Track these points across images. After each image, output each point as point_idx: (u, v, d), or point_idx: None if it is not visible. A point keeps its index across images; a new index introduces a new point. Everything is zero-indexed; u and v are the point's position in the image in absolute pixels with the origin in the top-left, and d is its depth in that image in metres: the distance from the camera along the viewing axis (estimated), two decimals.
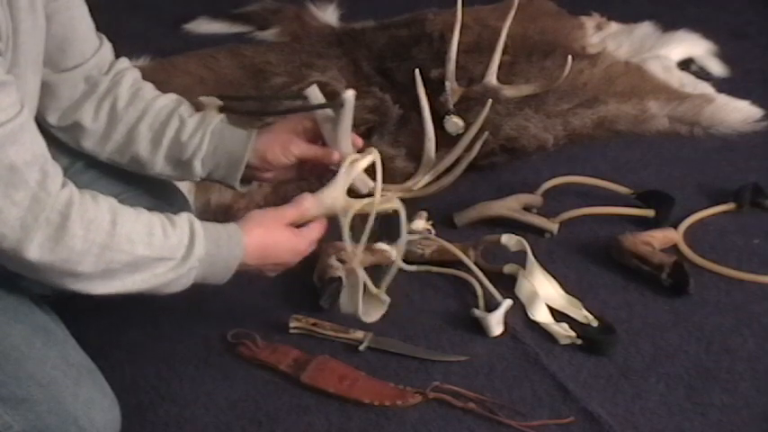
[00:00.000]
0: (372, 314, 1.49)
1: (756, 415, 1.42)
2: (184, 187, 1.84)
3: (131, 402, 1.41)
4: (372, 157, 1.42)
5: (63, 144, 1.42)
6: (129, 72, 1.44)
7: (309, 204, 1.37)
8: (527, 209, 1.91)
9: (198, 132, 1.41)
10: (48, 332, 1.25)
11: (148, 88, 1.45)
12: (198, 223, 1.26)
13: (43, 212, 1.10)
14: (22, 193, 1.09)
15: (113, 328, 1.61)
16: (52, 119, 1.40)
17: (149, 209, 1.24)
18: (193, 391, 1.48)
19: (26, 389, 1.18)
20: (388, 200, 1.45)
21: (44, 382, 1.18)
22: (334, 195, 1.38)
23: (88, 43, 1.40)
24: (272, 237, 1.33)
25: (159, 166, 1.43)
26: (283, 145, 1.43)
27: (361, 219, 1.41)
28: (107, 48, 1.43)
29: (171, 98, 1.45)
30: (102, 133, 1.42)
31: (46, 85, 1.35)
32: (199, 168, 1.43)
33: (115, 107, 1.41)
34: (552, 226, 1.85)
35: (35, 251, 1.11)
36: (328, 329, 1.59)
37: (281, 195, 1.95)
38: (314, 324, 1.59)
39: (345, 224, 1.38)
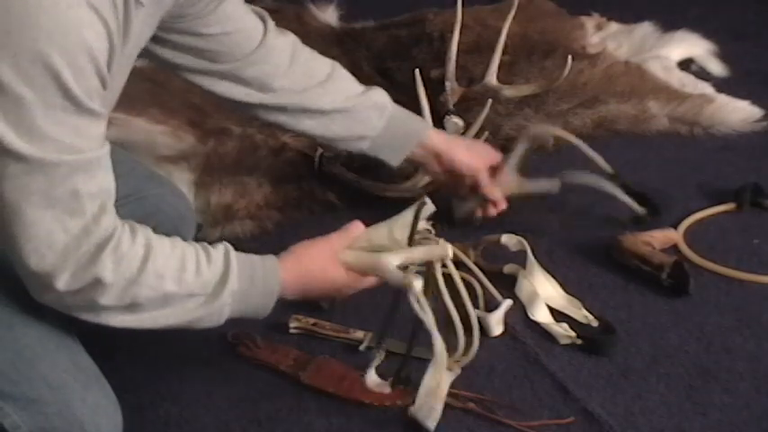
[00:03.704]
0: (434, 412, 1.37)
1: (756, 415, 1.41)
2: (184, 187, 1.84)
3: (131, 402, 1.40)
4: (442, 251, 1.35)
5: None
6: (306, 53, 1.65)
7: (357, 233, 1.35)
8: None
9: (376, 114, 1.67)
10: (60, 336, 1.25)
11: (345, 77, 1.70)
12: (234, 258, 1.25)
13: (87, 244, 1.10)
14: (75, 222, 1.08)
15: (113, 328, 1.60)
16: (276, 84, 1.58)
17: (152, 213, 1.23)
18: (193, 391, 1.49)
19: (37, 390, 1.18)
20: (442, 248, 1.35)
21: (55, 384, 1.19)
22: (385, 235, 1.34)
23: (256, 30, 1.55)
24: (314, 272, 1.32)
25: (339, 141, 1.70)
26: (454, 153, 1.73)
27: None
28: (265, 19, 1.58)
29: (356, 87, 1.70)
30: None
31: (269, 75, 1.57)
32: (365, 147, 1.69)
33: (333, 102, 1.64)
34: (555, 184, 1.83)
35: (65, 279, 1.11)
36: (328, 329, 1.59)
37: (281, 196, 1.95)
38: (314, 324, 1.59)
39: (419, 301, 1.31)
